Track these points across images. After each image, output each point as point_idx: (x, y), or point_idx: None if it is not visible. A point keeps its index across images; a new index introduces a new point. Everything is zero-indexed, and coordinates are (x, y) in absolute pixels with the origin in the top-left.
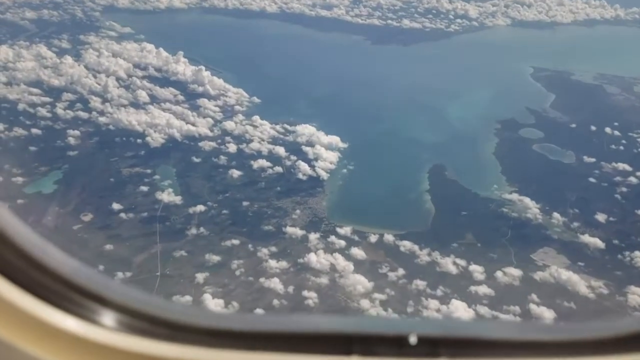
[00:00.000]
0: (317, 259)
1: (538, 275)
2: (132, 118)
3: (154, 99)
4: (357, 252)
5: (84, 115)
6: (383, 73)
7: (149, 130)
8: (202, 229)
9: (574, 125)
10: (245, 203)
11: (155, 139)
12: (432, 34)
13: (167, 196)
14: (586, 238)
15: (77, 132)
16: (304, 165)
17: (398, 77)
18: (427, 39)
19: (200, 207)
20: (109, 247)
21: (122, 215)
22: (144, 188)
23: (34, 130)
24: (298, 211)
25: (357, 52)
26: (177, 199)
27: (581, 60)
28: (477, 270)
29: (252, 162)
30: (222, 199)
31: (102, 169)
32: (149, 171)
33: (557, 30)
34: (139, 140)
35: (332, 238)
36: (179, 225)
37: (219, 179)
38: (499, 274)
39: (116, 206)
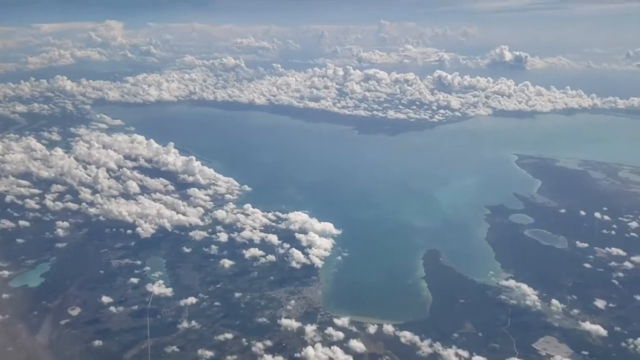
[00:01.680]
0: (314, 352)
1: None
2: (122, 209)
3: (145, 190)
4: (356, 344)
5: (73, 206)
6: (371, 161)
7: (140, 220)
8: (193, 322)
9: (563, 211)
10: (237, 294)
11: (146, 229)
12: (417, 124)
13: (158, 288)
14: (587, 325)
15: (66, 224)
16: (297, 253)
17: (386, 164)
18: (413, 128)
19: (192, 299)
20: (97, 342)
21: (112, 308)
22: (134, 280)
23: (22, 222)
24: (293, 302)
25: (345, 141)
26: (168, 291)
27: (564, 148)
28: None
29: (244, 251)
30: (214, 290)
31: (91, 260)
32: (139, 262)
33: (538, 119)
34: (129, 231)
35: (330, 330)
36: (170, 319)
37: (210, 269)
38: None
39: (106, 299)
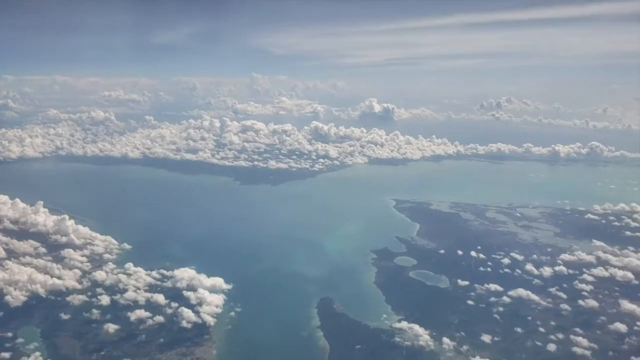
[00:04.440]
0: None
1: None
2: None
3: (12, 254)
4: None
5: None
6: (256, 211)
7: (8, 288)
8: None
9: (442, 251)
10: None
11: (16, 297)
12: (298, 173)
13: None
14: None
15: None
16: (187, 312)
17: (272, 214)
18: (295, 177)
19: None
20: None
21: None
22: (5, 355)
23: None
24: None
25: (227, 193)
26: None
27: (435, 191)
28: None
29: (128, 313)
30: (98, 358)
31: None
32: (9, 334)
33: (409, 166)
34: None
35: None
36: None
37: (92, 335)
38: None
39: None
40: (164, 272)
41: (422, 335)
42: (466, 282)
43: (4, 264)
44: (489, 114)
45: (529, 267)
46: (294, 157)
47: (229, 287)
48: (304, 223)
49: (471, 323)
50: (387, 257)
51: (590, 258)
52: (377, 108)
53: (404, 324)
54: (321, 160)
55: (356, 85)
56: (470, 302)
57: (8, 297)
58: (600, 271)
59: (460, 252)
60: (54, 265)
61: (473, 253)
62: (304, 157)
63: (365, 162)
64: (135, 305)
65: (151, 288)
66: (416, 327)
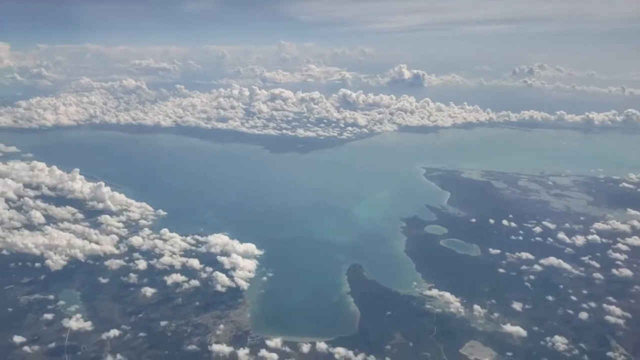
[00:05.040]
0: None
1: None
2: (27, 241)
3: (51, 219)
4: None
5: None
6: (286, 179)
7: (48, 252)
8: (118, 356)
9: (473, 220)
10: (162, 323)
11: (56, 261)
12: (326, 141)
13: (75, 323)
14: (508, 327)
15: None
16: (221, 276)
17: (301, 182)
18: (323, 146)
19: (114, 332)
20: None
21: (26, 348)
22: (48, 316)
23: None
24: (221, 326)
25: (257, 161)
26: (87, 325)
27: (467, 160)
28: None
29: (165, 277)
30: (136, 320)
31: None
32: (51, 297)
33: (440, 134)
34: (37, 264)
35: (263, 352)
36: (92, 354)
37: (130, 299)
38: None
39: (18, 339)
40: (198, 237)
41: (453, 302)
42: (497, 251)
43: (43, 229)
44: (521, 80)
45: (561, 235)
46: (322, 125)
47: (261, 252)
48: (333, 191)
49: (502, 291)
50: (417, 225)
51: (625, 227)
52: (407, 74)
53: (435, 292)
54: (349, 128)
55: (385, 52)
56: (501, 270)
57: (49, 261)
58: (635, 240)
59: (491, 221)
60: (92, 230)
61: (504, 221)
62: (332, 125)
63: (395, 130)
64: (171, 269)
65: (186, 253)
66: (447, 294)
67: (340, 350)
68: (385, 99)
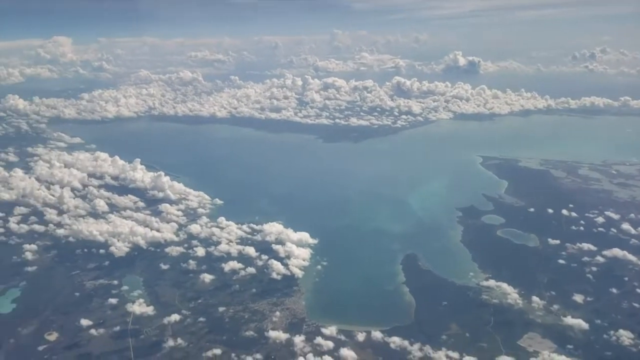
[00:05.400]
0: None
1: None
2: (92, 228)
3: (114, 208)
4: (347, 352)
5: (39, 228)
6: (339, 168)
7: (112, 239)
8: (179, 340)
9: (532, 210)
10: (220, 308)
11: (119, 248)
12: (380, 130)
13: (138, 307)
14: (569, 320)
15: (34, 247)
16: (276, 264)
17: (354, 171)
18: (376, 135)
19: (175, 317)
20: None
21: (92, 331)
22: (113, 300)
23: None
24: (277, 313)
25: (310, 150)
26: (149, 310)
27: (525, 148)
28: None
29: (222, 264)
30: (196, 305)
31: (64, 283)
32: (115, 282)
33: (497, 121)
34: (101, 251)
35: (318, 339)
36: (154, 338)
37: (189, 284)
38: None
39: (84, 322)
40: (254, 226)
41: (511, 293)
42: (557, 241)
43: (107, 217)
44: (582, 65)
45: (626, 226)
46: (376, 113)
47: (315, 241)
48: (387, 180)
49: (562, 282)
50: (473, 215)
51: None
52: (462, 61)
53: (492, 282)
54: (403, 116)
55: (439, 39)
56: (561, 261)
57: (112, 248)
58: None
59: (550, 211)
60: (153, 218)
61: (564, 211)
62: (386, 114)
63: (450, 118)
64: (228, 257)
65: (242, 241)
66: (504, 285)
67: (395, 340)
68: (440, 87)
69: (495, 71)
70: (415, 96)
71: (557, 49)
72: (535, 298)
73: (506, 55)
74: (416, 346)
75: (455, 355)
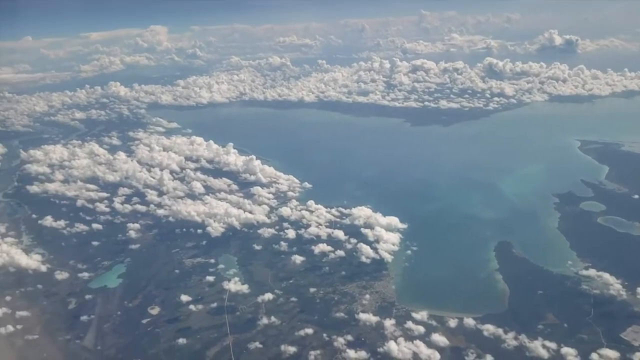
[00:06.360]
0: (398, 347)
1: (637, 357)
2: (190, 209)
3: (209, 190)
4: (439, 338)
5: (142, 208)
6: (428, 152)
7: (209, 220)
8: (273, 318)
9: (636, 197)
10: (311, 289)
11: (215, 228)
12: (471, 113)
13: (234, 285)
14: None
15: (137, 225)
16: (366, 248)
17: (444, 155)
18: (467, 118)
19: (268, 295)
20: (181, 341)
21: (191, 307)
22: (210, 278)
23: (95, 225)
24: (367, 296)
25: (398, 134)
26: (244, 288)
27: (628, 132)
28: (570, 353)
29: (312, 247)
30: (288, 285)
31: (164, 260)
32: (212, 261)
33: (596, 103)
34: (199, 231)
35: (409, 324)
36: (249, 315)
37: (281, 265)
38: (594, 356)
39: (184, 298)
40: (342, 210)
41: (613, 284)
42: None
43: (203, 199)
44: None
45: None
46: (466, 96)
47: (404, 226)
48: (479, 164)
49: None
50: (571, 201)
51: None
52: (558, 40)
53: (592, 272)
54: (496, 98)
55: (533, 17)
56: None
57: (209, 228)
58: None
59: None
60: (245, 201)
61: None
62: (477, 96)
63: (545, 100)
64: (317, 239)
65: (331, 224)
66: (606, 275)
67: (489, 327)
68: (534, 67)
69: (594, 50)
70: (507, 78)
71: None
72: None
73: (607, 32)
74: (511, 335)
75: (552, 345)
